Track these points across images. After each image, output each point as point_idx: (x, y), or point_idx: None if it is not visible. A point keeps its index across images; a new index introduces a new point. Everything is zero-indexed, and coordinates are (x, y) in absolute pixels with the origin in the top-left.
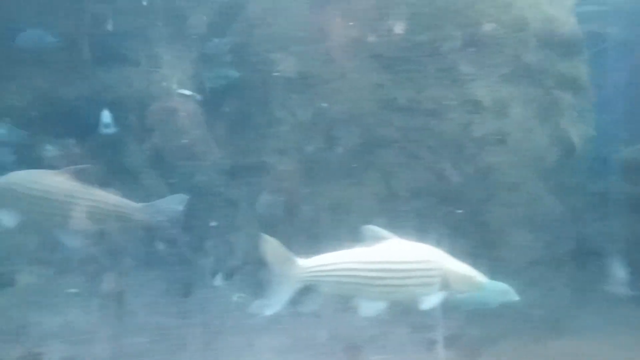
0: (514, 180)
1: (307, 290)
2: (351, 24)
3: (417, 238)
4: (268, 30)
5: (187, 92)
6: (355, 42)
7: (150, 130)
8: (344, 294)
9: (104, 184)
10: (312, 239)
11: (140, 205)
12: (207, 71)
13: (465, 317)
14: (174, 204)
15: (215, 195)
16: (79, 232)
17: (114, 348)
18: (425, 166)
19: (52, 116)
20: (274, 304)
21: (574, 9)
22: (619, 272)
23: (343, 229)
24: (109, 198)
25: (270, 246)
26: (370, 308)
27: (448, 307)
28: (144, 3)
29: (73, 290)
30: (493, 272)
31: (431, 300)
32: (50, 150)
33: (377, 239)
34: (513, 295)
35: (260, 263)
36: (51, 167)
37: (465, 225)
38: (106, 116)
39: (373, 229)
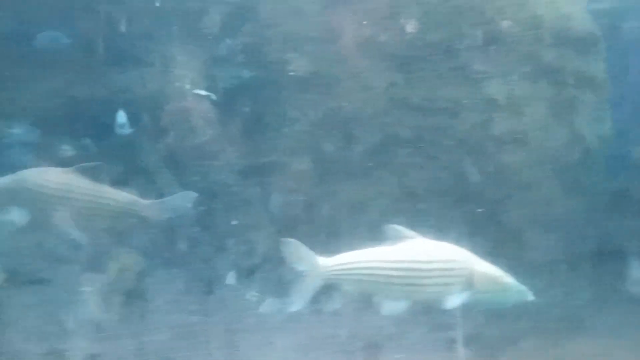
0: (530, 179)
1: (326, 289)
2: (364, 23)
3: (434, 237)
4: (281, 30)
5: (202, 92)
6: (368, 41)
7: (164, 130)
8: (366, 293)
9: (117, 182)
10: (327, 238)
11: (149, 202)
12: (220, 71)
13: (484, 317)
14: (183, 201)
15: (229, 195)
16: (88, 228)
17: (136, 345)
18: (440, 165)
19: (68, 116)
20: (295, 303)
21: (589, 6)
22: (638, 271)
23: (358, 228)
24: (118, 195)
25: (291, 246)
26: (392, 307)
27: (463, 307)
28: (157, 4)
29: (89, 289)
30: (510, 272)
31: (455, 300)
32: (66, 149)
33: (400, 238)
34: (528, 295)
35: (278, 262)
36: (66, 166)
37: (482, 225)
38: (121, 116)
39: (396, 228)
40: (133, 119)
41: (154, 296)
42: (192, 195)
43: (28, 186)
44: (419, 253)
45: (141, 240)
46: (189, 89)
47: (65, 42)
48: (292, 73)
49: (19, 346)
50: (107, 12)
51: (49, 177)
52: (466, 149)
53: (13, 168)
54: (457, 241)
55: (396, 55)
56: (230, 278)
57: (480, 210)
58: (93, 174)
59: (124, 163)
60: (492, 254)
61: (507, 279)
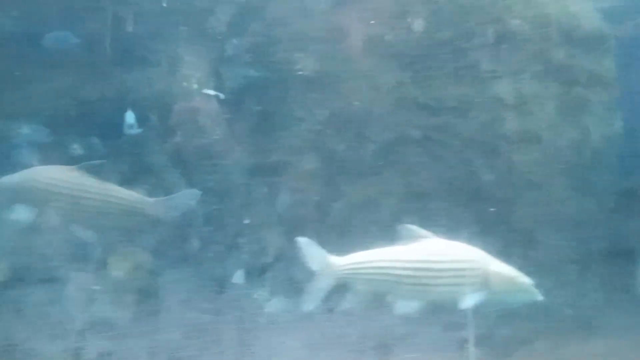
0: (539, 178)
1: (338, 288)
2: (371, 22)
3: (445, 237)
4: (288, 30)
5: (211, 92)
6: (376, 41)
7: (172, 129)
8: (379, 292)
9: (126, 181)
10: (336, 237)
11: (153, 200)
12: (227, 71)
13: (494, 317)
14: (187, 199)
15: (237, 194)
16: (94, 226)
17: (150, 343)
18: (448, 165)
19: (76, 116)
20: (308, 302)
21: (598, 4)
22: None
23: (368, 227)
24: (123, 192)
25: (305, 245)
26: (406, 307)
27: (474, 307)
28: (164, 4)
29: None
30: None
31: (470, 300)
32: (75, 149)
33: (414, 237)
34: (537, 295)
35: (287, 261)
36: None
37: (492, 224)
38: (129, 116)
39: (410, 227)
40: (141, 119)
41: (165, 295)
42: (197, 193)
43: (34, 184)
44: (433, 253)
45: (150, 239)
46: (197, 88)
47: (74, 42)
48: (300, 72)
49: (31, 345)
50: (115, 12)
51: (54, 175)
52: (475, 149)
53: (22, 167)
54: (468, 241)
55: (404, 54)
56: (237, 277)
57: (490, 209)
58: (98, 172)
59: (132, 163)
60: (501, 253)
61: (523, 278)
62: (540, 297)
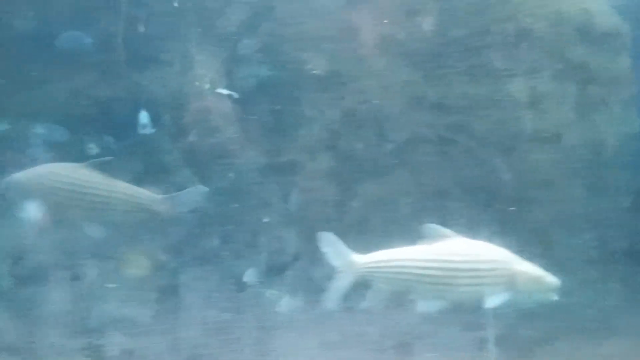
0: (555, 178)
1: (358, 287)
2: (383, 20)
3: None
4: (298, 29)
5: (224, 92)
6: (388, 39)
7: (185, 128)
8: (401, 291)
9: (139, 180)
10: (352, 236)
11: (161, 197)
12: (238, 70)
13: (516, 317)
14: (195, 195)
15: (251, 193)
16: (102, 222)
17: (172, 340)
18: (463, 165)
19: (89, 115)
20: (330, 299)
21: (613, 1)
22: None
23: (383, 227)
24: (130, 189)
25: (328, 240)
26: (430, 306)
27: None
28: (175, 4)
29: (113, 285)
30: None
31: (496, 300)
32: (90, 148)
33: (438, 237)
34: (552, 295)
35: (304, 260)
36: None
37: (508, 224)
38: (143, 116)
39: (433, 227)
40: (154, 118)
41: (184, 293)
42: (204, 190)
43: (42, 181)
44: (458, 252)
45: (163, 238)
46: (209, 88)
47: (87, 42)
48: (312, 72)
49: (52, 341)
50: (128, 12)
51: (62, 171)
52: (490, 148)
53: (36, 166)
54: (486, 240)
55: (416, 52)
56: (248, 276)
57: (506, 209)
58: (106, 169)
59: (146, 162)
60: (518, 253)
61: (552, 279)
62: (555, 297)
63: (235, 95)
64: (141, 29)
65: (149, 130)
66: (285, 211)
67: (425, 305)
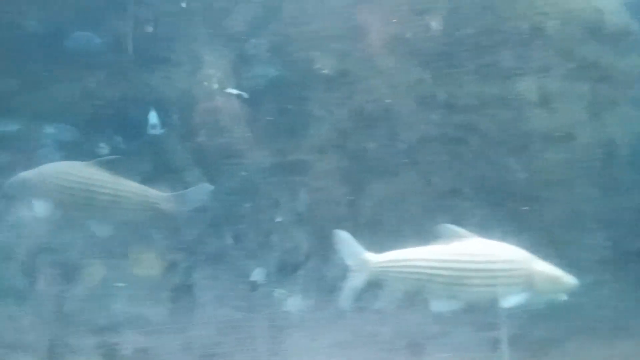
0: (566, 177)
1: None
2: (392, 19)
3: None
4: (307, 29)
5: (234, 91)
6: (396, 39)
7: (194, 128)
8: (416, 291)
9: (148, 180)
10: (359, 236)
11: (166, 195)
12: (246, 70)
13: (529, 317)
14: (200, 194)
15: (260, 193)
16: (109, 221)
17: (186, 339)
18: (473, 164)
19: (100, 115)
20: (344, 298)
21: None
22: None
23: (394, 226)
24: (136, 187)
25: (342, 238)
26: (445, 306)
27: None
28: (183, 5)
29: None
30: None
31: (514, 300)
32: (100, 147)
33: (453, 237)
34: (561, 295)
35: (315, 260)
36: None
37: (521, 223)
38: (152, 116)
39: (449, 227)
40: (163, 118)
41: (198, 292)
42: (209, 187)
43: (49, 179)
44: (475, 252)
45: (171, 235)
46: (217, 88)
47: (97, 43)
48: (320, 71)
49: (65, 339)
50: (137, 13)
51: (68, 170)
52: (501, 147)
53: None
54: (499, 240)
55: (425, 52)
56: (256, 275)
57: (518, 208)
58: (112, 168)
59: (155, 162)
60: (531, 253)
61: (570, 279)
62: (563, 297)
63: (244, 95)
64: (150, 29)
65: (158, 130)
66: (295, 211)
67: (439, 305)
